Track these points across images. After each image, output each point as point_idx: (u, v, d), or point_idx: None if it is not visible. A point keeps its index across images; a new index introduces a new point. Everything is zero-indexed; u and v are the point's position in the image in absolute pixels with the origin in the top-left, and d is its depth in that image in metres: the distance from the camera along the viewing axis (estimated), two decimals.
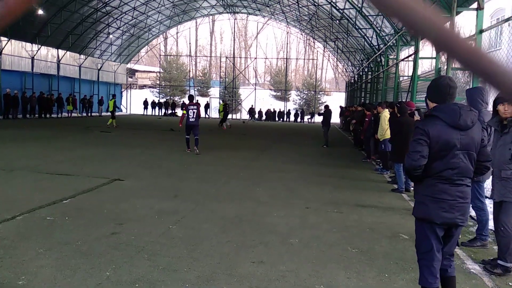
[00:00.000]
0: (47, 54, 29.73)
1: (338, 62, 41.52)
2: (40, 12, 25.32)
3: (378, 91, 19.75)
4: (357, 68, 31.36)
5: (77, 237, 4.34)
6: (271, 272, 3.71)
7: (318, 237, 4.75)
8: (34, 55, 28.09)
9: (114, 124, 19.62)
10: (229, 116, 41.51)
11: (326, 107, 15.45)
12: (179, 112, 41.63)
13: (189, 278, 3.49)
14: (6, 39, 25.41)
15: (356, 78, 31.85)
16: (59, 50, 30.61)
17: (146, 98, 41.95)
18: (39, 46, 28.02)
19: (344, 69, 40.55)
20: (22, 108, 25.67)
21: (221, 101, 26.20)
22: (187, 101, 12.66)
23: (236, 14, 41.87)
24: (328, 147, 14.87)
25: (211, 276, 3.55)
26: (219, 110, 25.92)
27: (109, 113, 21.18)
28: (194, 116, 11.38)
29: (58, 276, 3.38)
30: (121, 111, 38.41)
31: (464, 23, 14.71)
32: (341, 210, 6.08)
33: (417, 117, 7.18)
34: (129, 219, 5.05)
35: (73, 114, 30.25)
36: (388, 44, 17.42)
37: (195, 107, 11.55)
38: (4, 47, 25.55)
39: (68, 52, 31.56)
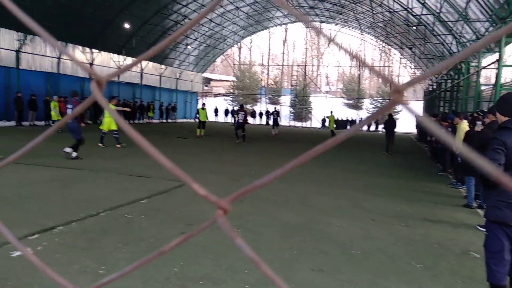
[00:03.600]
0: None
1: (415, 69, 39.74)
2: (127, 26, 27.58)
3: (458, 100, 18.61)
4: (436, 76, 29.78)
5: (151, 234, 4.73)
6: (330, 281, 3.76)
7: (380, 249, 4.69)
8: (121, 66, 30.54)
9: (202, 133, 19.41)
10: (301, 124, 41.52)
11: (390, 116, 16.07)
12: (251, 120, 42.66)
13: (249, 280, 3.66)
14: (97, 51, 27.99)
15: (434, 86, 30.26)
16: (143, 61, 32.94)
17: (216, 106, 43.48)
18: (125, 57, 30.42)
19: None
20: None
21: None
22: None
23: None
24: (389, 154, 15.47)
25: (268, 280, 3.69)
26: (330, 121, 26.94)
27: (192, 120, 21.95)
28: (242, 119, 17.03)
29: None
30: (197, 118, 40.14)
31: None
32: (408, 223, 5.90)
33: (478, 127, 6.83)
34: (198, 220, 5.37)
35: (153, 120, 32.34)
36: None
37: (243, 113, 17.24)
38: (95, 58, 28.14)
39: (150, 63, 33.88)
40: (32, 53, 23.62)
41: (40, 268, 0.58)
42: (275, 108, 26.01)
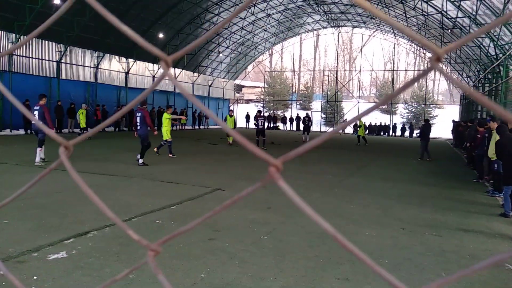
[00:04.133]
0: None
1: (452, 73, 38.60)
2: (161, 35, 28.35)
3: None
4: (473, 79, 28.81)
5: (179, 240, 4.85)
6: None
7: (410, 259, 4.60)
8: (155, 74, 31.38)
9: (231, 140, 19.30)
10: (332, 129, 41.04)
11: (426, 121, 15.96)
12: (281, 126, 42.59)
13: (275, 287, 3.70)
14: (132, 60, 28.91)
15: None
16: (176, 69, 33.73)
17: (248, 112, 43.75)
18: (159, 66, 31.24)
19: (458, 80, 37.45)
20: None
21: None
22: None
23: (340, 28, 41.63)
24: (423, 160, 15.32)
25: (295, 287, 3.71)
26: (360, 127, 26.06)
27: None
28: (262, 124, 17.05)
29: None
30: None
31: None
32: (440, 233, 5.75)
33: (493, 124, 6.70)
34: (225, 227, 5.46)
35: (186, 127, 32.98)
36: (507, 54, 15.78)
37: (262, 118, 17.25)
38: (130, 67, 29.07)
39: (183, 71, 34.63)
40: (71, 64, 24.69)
41: None
42: (306, 113, 25.56)
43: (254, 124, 17.57)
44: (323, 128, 43.91)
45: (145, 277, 3.75)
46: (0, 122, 20.35)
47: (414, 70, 57.08)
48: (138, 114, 11.26)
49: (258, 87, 57.66)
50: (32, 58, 22.26)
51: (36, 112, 10.23)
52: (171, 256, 4.31)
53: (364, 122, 26.53)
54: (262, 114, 17.55)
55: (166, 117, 13.50)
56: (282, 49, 47.39)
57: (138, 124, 11.15)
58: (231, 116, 19.18)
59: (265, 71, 49.73)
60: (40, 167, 9.82)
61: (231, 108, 22.28)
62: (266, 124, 17.19)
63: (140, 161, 10.96)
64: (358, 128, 24.32)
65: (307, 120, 23.86)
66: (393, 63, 52.59)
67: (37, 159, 10.19)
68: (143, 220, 5.67)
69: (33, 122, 11.31)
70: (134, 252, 4.37)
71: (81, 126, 19.13)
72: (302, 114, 33.04)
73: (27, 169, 9.40)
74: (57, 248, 4.40)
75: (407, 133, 39.03)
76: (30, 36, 0.67)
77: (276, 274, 4.01)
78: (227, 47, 36.76)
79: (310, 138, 23.97)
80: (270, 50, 47.69)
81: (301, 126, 28.78)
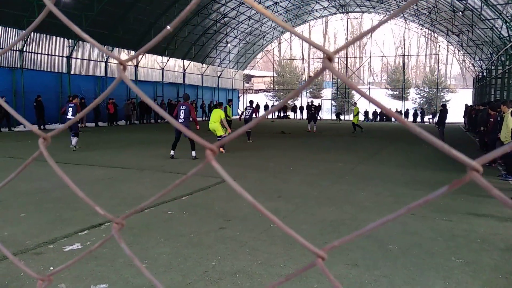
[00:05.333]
0: (174, 65, 33.10)
1: (464, 56, 37.93)
2: (168, 27, 28.35)
3: (510, 87, 17.64)
4: (486, 62, 28.28)
5: (191, 230, 4.94)
6: (364, 275, 3.77)
7: (419, 244, 4.62)
8: (164, 67, 31.48)
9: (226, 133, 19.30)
10: (343, 117, 40.81)
11: (443, 106, 15.59)
12: (292, 115, 42.44)
13: (284, 273, 3.76)
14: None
15: (484, 74, 28.77)
16: (185, 61, 33.80)
17: (257, 102, 43.61)
18: (168, 58, 31.33)
19: (471, 63, 36.88)
20: (154, 114, 29.02)
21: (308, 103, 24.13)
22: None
23: (349, 14, 41.12)
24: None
25: (304, 274, 3.76)
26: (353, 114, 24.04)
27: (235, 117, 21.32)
28: (249, 115, 15.99)
29: (173, 262, 3.95)
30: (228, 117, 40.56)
31: None
32: (451, 218, 5.74)
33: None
34: (236, 216, 5.53)
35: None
36: None
37: (251, 108, 16.18)
38: (140, 60, 29.18)
39: (192, 62, 34.68)
40: (81, 58, 24.91)
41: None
42: (311, 101, 24.08)
43: (242, 113, 16.63)
44: (334, 116, 43.60)
45: (158, 266, 3.84)
46: (13, 118, 20.69)
47: (425, 55, 56.23)
48: (183, 107, 10.99)
49: (267, 76, 57.45)
50: (43, 54, 22.52)
51: (70, 109, 12.44)
52: (183, 246, 4.39)
53: (359, 110, 24.72)
54: (251, 105, 16.56)
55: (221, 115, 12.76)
56: (290, 37, 47.11)
57: (182, 118, 10.83)
58: (230, 106, 18.53)
59: (274, 60, 49.48)
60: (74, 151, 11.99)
61: (229, 98, 20.51)
62: (254, 115, 16.12)
63: (193, 154, 10.91)
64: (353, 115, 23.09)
65: (313, 109, 22.72)
66: (404, 48, 51.90)
67: (73, 142, 12.32)
68: (154, 211, 5.77)
69: (67, 117, 12.57)
70: (146, 242, 4.47)
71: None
72: (314, 103, 32.75)
73: (43, 164, 9.59)
74: (72, 240, 4.52)
75: (419, 119, 38.61)
76: (27, 32, 0.71)
77: (285, 261, 4.06)
78: (235, 37, 36.63)
79: (318, 128, 23.65)
80: (278, 38, 47.37)
81: (306, 116, 26.87)
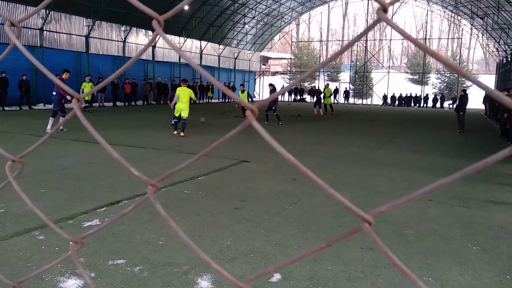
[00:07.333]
0: (191, 46, 33.00)
1: (488, 40, 36.78)
2: (186, 7, 28.16)
3: None
4: (511, 46, 27.37)
5: (207, 209, 5.00)
6: (379, 259, 3.77)
7: (435, 230, 4.58)
8: (181, 47, 31.40)
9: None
10: (360, 101, 40.28)
11: (464, 91, 15.15)
12: (308, 98, 42.02)
13: (298, 254, 3.78)
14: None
15: (509, 59, 27.87)
16: (202, 42, 33.63)
17: (274, 85, 43.29)
18: (185, 38, 31.22)
19: (495, 48, 35.75)
20: None
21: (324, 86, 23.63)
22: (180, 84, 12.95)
23: None
24: (463, 133, 14.76)
25: (319, 256, 3.78)
26: (325, 95, 22.86)
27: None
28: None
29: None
30: (254, 97, 40.37)
31: None
32: (469, 205, 5.66)
33: None
34: (251, 197, 5.56)
35: (212, 100, 33.15)
36: None
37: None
38: (157, 41, 29.16)
39: (209, 43, 34.49)
40: (99, 38, 25.02)
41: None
42: (316, 86, 23.95)
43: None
44: (351, 100, 43.08)
45: (174, 244, 3.90)
46: (34, 96, 21.04)
47: (448, 38, 54.79)
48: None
49: (285, 58, 56.84)
50: (62, 33, 22.68)
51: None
52: (199, 224, 4.45)
53: (332, 91, 23.98)
54: (274, 88, 16.82)
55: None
56: (309, 18, 46.36)
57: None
58: (242, 92, 17.32)
59: (291, 42, 48.83)
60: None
61: (242, 83, 19.21)
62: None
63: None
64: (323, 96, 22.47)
65: (319, 93, 22.77)
66: (426, 31, 50.60)
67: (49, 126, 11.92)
68: (172, 190, 5.85)
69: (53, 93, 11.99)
70: (163, 220, 4.53)
71: (86, 98, 19.56)
72: (332, 86, 32.37)
73: (64, 142, 9.78)
74: (91, 216, 4.62)
75: (438, 104, 37.86)
76: (38, 8, 0.71)
77: (300, 242, 4.09)
78: (253, 18, 36.18)
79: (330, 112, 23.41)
80: (297, 20, 46.64)
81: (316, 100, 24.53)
